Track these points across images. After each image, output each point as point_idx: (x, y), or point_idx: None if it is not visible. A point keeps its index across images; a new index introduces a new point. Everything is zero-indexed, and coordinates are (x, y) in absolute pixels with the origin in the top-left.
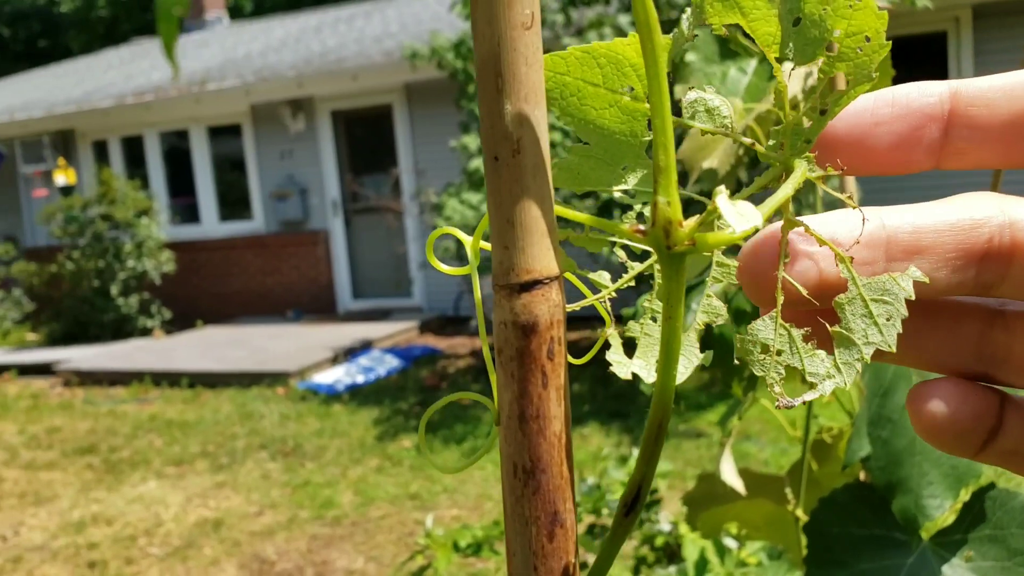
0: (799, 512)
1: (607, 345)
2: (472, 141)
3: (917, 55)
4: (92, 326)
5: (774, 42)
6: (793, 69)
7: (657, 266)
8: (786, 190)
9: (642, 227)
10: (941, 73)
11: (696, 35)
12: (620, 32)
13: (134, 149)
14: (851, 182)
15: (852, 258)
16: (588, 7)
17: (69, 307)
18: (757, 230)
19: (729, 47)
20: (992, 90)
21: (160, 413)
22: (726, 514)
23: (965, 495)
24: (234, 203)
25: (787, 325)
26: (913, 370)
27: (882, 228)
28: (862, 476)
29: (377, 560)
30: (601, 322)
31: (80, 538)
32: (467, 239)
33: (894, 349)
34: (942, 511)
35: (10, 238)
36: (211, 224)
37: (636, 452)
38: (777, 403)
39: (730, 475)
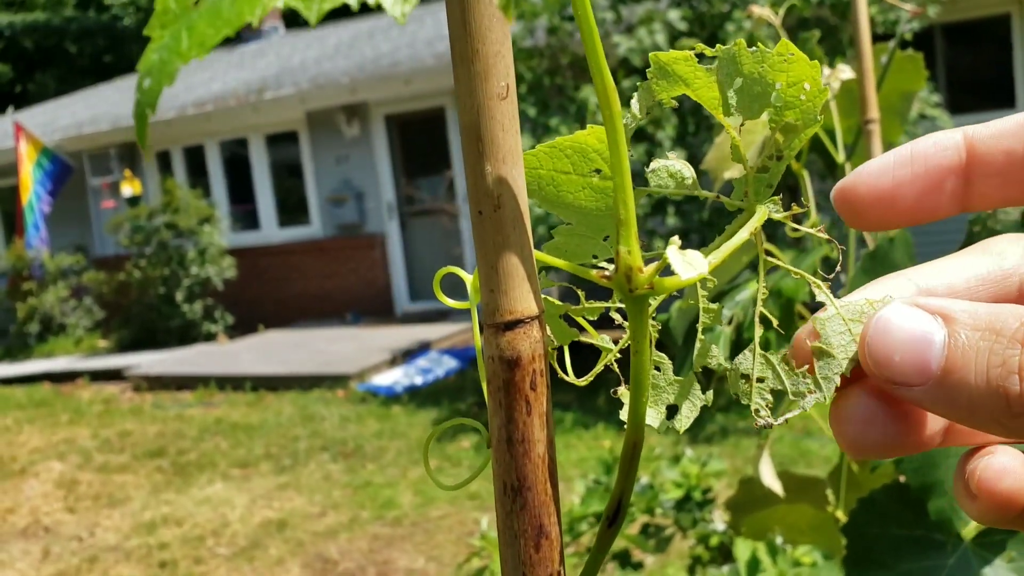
0: (840, 514)
1: (608, 371)
2: (525, 141)
3: (979, 40)
4: (159, 332)
5: (719, 105)
6: (742, 125)
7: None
8: (742, 235)
9: (608, 273)
10: (1005, 58)
11: (648, 114)
12: (671, 28)
13: (196, 158)
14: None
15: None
16: (638, 3)
17: (137, 314)
18: (704, 276)
19: None
20: (1004, 134)
21: (225, 416)
22: (770, 518)
23: None
24: (292, 209)
25: (766, 354)
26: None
27: (917, 293)
28: (903, 477)
29: (437, 560)
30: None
31: (151, 539)
32: (468, 277)
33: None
34: None
35: (80, 248)
36: (270, 230)
37: (689, 451)
38: (756, 423)
39: (768, 477)
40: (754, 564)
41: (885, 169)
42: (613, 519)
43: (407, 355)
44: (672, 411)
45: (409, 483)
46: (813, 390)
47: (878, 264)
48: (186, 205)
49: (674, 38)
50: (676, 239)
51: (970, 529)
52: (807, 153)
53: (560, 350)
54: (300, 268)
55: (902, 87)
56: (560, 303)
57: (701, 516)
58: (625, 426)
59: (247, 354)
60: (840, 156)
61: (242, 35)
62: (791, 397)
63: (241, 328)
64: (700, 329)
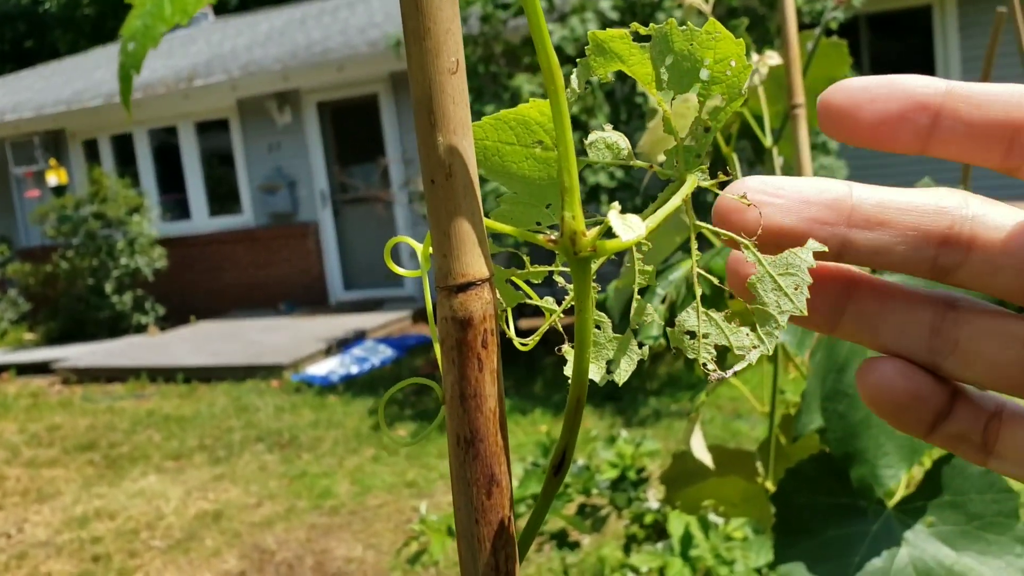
0: (769, 485)
1: (553, 331)
2: None
3: (902, 30)
4: (88, 324)
5: (652, 80)
6: (673, 99)
7: (566, 268)
8: (675, 201)
9: (553, 237)
10: (927, 49)
11: (587, 88)
12: (602, 17)
13: (124, 147)
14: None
15: (756, 243)
16: None
17: (65, 306)
18: (641, 239)
19: None
20: (986, 94)
21: (157, 408)
22: (702, 492)
23: (923, 465)
24: (223, 198)
25: (708, 311)
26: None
27: (849, 196)
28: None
29: (376, 548)
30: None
31: (84, 533)
32: (419, 246)
33: (805, 313)
34: (897, 480)
35: (4, 239)
36: (201, 219)
37: (624, 433)
38: (709, 377)
39: (699, 450)
40: (687, 540)
41: (866, 85)
42: (558, 468)
43: (342, 344)
44: (611, 366)
45: (346, 472)
46: (757, 344)
47: None
48: (114, 195)
49: (605, 27)
50: (616, 204)
51: (893, 497)
52: (736, 138)
53: (506, 314)
54: (232, 258)
55: (827, 73)
56: (506, 269)
57: (636, 495)
58: (569, 382)
59: (179, 345)
60: (768, 141)
61: None
62: (736, 352)
63: (172, 319)
64: (636, 290)
